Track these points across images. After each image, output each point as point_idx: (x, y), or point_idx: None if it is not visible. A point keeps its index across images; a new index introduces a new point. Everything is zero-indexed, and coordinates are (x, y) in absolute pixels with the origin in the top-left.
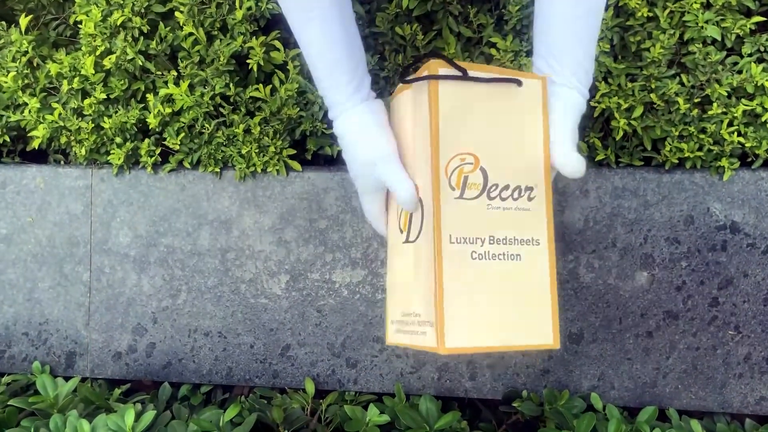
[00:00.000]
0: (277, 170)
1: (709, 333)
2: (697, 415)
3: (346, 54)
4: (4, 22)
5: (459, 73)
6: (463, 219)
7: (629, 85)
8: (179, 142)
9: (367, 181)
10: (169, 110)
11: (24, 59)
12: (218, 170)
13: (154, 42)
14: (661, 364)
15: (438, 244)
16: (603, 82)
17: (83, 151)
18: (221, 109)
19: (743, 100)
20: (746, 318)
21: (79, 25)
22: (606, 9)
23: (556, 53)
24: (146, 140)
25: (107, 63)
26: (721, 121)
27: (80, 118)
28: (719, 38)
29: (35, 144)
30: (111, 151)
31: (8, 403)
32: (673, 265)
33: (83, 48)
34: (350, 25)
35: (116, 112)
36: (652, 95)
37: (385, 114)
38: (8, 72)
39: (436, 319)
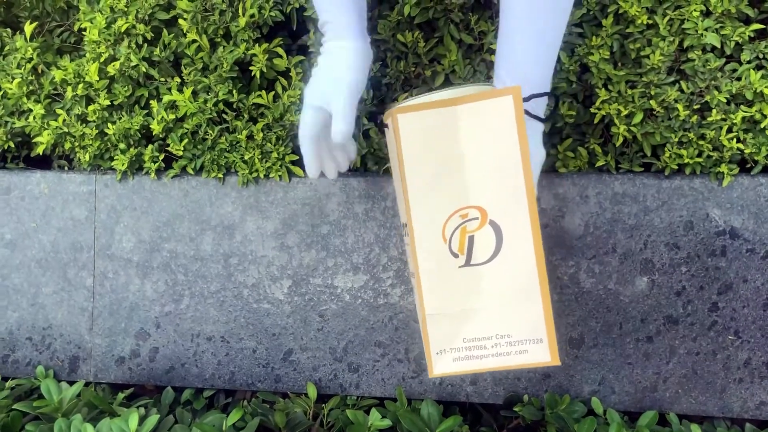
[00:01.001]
0: (280, 176)
1: (708, 338)
2: (697, 419)
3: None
4: (9, 29)
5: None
6: None
7: (629, 91)
8: (182, 148)
9: (316, 114)
10: (172, 116)
11: (29, 66)
12: (221, 176)
13: (157, 49)
14: (661, 369)
15: (541, 253)
16: (603, 89)
17: (87, 157)
18: (224, 116)
19: (742, 106)
20: (746, 323)
21: (84, 32)
22: (605, 17)
23: (507, 60)
24: (150, 146)
25: (111, 70)
26: (721, 128)
27: (84, 124)
28: (718, 45)
29: (39, 150)
30: (115, 157)
31: (12, 407)
32: (672, 271)
33: (87, 55)
34: None
35: (120, 118)
36: (652, 102)
37: (368, 59)
38: (13, 78)
39: (549, 334)
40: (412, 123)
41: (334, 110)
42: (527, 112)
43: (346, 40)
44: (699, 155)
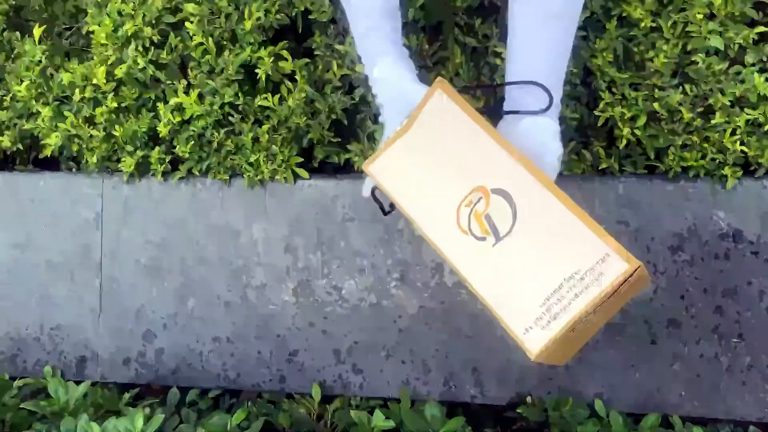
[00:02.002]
0: (285, 178)
1: (712, 341)
2: (701, 422)
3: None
4: (18, 33)
5: None
6: None
7: (633, 94)
8: (189, 151)
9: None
10: (179, 119)
11: (37, 69)
12: (227, 178)
13: (164, 52)
14: (664, 372)
15: (555, 189)
16: (607, 92)
17: (95, 159)
18: (230, 118)
19: (746, 109)
20: (750, 326)
21: (92, 36)
22: (609, 20)
23: (518, 72)
24: (157, 148)
25: (119, 72)
26: (724, 130)
27: (92, 127)
28: (722, 48)
29: (48, 152)
30: (122, 159)
31: (20, 406)
32: (676, 273)
33: (95, 58)
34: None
35: (127, 120)
36: (656, 104)
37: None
38: (22, 81)
39: (610, 245)
40: (384, 167)
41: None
42: (517, 112)
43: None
44: (703, 158)
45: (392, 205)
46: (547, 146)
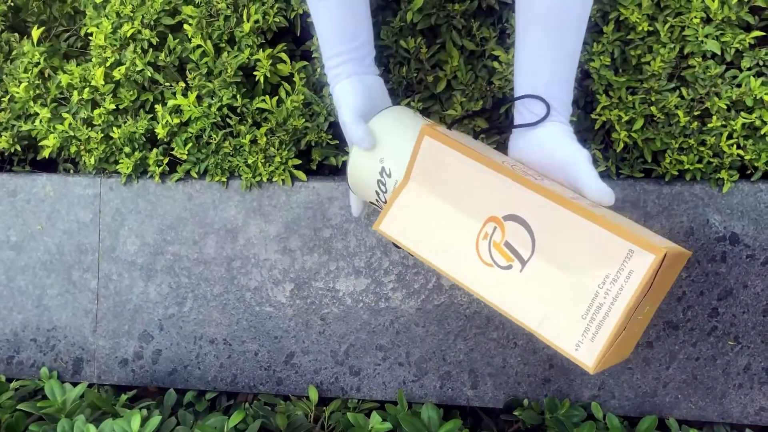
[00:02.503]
0: (283, 180)
1: (708, 343)
2: (697, 424)
3: (344, 29)
4: (16, 34)
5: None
6: None
7: (630, 98)
8: (187, 152)
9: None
10: (177, 121)
11: (36, 70)
12: (225, 180)
13: (163, 54)
14: (661, 374)
15: (563, 201)
16: (604, 95)
17: (92, 161)
18: (228, 120)
19: (742, 113)
20: (746, 328)
21: (90, 37)
22: (606, 23)
23: (527, 75)
24: (154, 150)
25: (117, 74)
26: (721, 134)
27: (90, 128)
28: (719, 52)
29: (45, 153)
30: (120, 161)
31: (17, 407)
32: None
33: (93, 59)
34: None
35: (125, 122)
36: (653, 108)
37: (372, 89)
38: (20, 82)
39: (633, 240)
40: (394, 224)
41: (347, 133)
42: (515, 125)
43: (343, 74)
44: (699, 161)
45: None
46: (564, 148)
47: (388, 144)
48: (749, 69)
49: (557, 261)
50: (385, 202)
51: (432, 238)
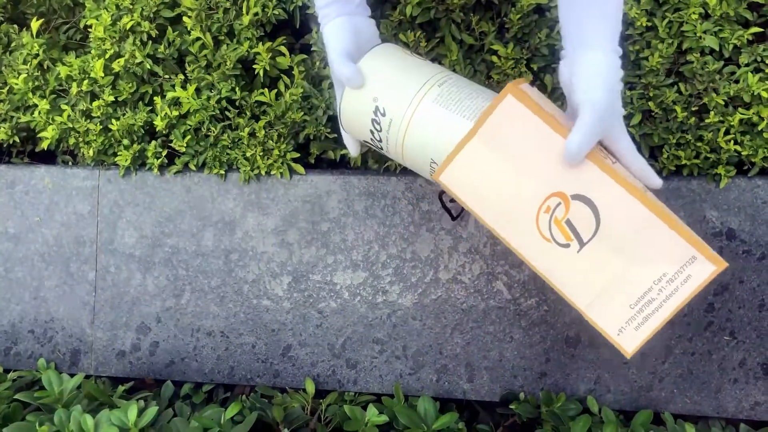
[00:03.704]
0: (281, 173)
1: (704, 338)
2: (692, 419)
3: None
4: (15, 26)
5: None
6: None
7: (628, 93)
8: (185, 145)
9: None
10: (175, 113)
11: (35, 62)
12: (223, 172)
13: (162, 46)
14: (656, 369)
15: (638, 193)
16: None
17: (91, 153)
18: (227, 113)
19: (740, 109)
20: (741, 324)
21: (89, 29)
22: None
23: (582, 14)
24: (153, 142)
25: (116, 66)
26: (718, 130)
27: (89, 120)
28: (717, 48)
29: (44, 145)
30: (118, 153)
31: (14, 397)
32: None
33: (93, 51)
34: None
35: (124, 114)
36: (651, 103)
37: (361, 30)
38: (19, 74)
39: (697, 247)
40: (455, 175)
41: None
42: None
43: (332, 15)
44: (697, 157)
45: (462, 210)
46: (589, 80)
47: (381, 82)
48: (747, 65)
49: (618, 249)
50: (381, 141)
51: (492, 199)
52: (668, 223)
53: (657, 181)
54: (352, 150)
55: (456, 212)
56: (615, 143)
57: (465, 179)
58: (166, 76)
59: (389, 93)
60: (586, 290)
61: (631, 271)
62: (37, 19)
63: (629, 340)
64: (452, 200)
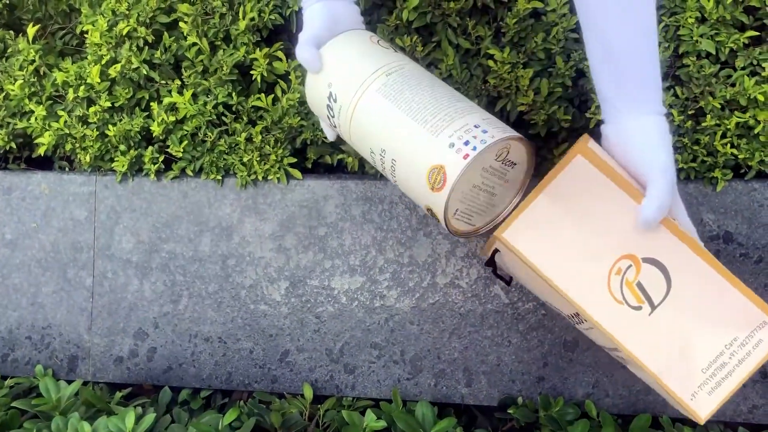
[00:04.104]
0: (278, 178)
1: None
2: (690, 423)
3: None
4: (12, 31)
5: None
6: None
7: None
8: (182, 150)
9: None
10: (172, 118)
11: (31, 68)
12: (220, 178)
13: (158, 52)
14: None
15: (707, 256)
16: None
17: (88, 158)
18: (224, 118)
19: (736, 112)
20: None
21: (86, 35)
22: None
23: (625, 77)
24: (150, 148)
25: (112, 72)
26: (715, 133)
27: (85, 126)
28: (713, 52)
29: (41, 151)
30: (115, 159)
31: (11, 405)
32: None
33: (89, 57)
34: None
35: (121, 120)
36: None
37: (339, 16)
38: (15, 80)
39: (765, 308)
40: (519, 233)
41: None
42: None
43: None
44: (693, 160)
45: (511, 278)
46: (653, 148)
47: (336, 69)
48: (743, 68)
49: (689, 312)
50: (335, 127)
51: (559, 258)
52: (737, 286)
53: (700, 244)
54: (329, 135)
55: (508, 277)
56: (673, 204)
57: (529, 239)
58: (163, 82)
59: (341, 79)
60: (659, 354)
61: (703, 335)
62: (34, 25)
63: (703, 406)
64: (489, 262)
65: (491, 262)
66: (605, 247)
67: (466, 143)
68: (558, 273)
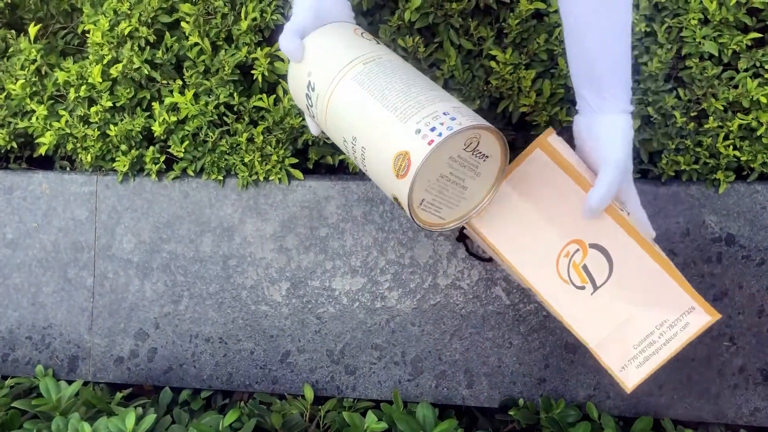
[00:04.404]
0: (279, 179)
1: (704, 344)
2: (692, 425)
3: None
4: (13, 31)
5: None
6: None
7: None
8: (183, 150)
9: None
10: (174, 119)
11: (32, 67)
12: (221, 178)
13: (160, 51)
14: (656, 375)
15: (647, 246)
16: None
17: (89, 158)
18: (225, 118)
19: (739, 114)
20: (741, 330)
21: (87, 35)
22: None
23: (596, 76)
24: (151, 148)
25: (114, 72)
26: (717, 135)
27: (86, 126)
28: (716, 53)
29: (42, 150)
30: (116, 158)
31: (11, 405)
32: None
33: (90, 57)
34: None
35: (122, 119)
36: (650, 109)
37: (326, 10)
38: (17, 80)
39: (695, 300)
40: (483, 215)
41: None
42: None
43: None
44: (696, 162)
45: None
46: (612, 143)
47: (316, 59)
48: (746, 70)
49: (626, 294)
50: (314, 117)
51: (516, 240)
52: (672, 275)
53: (652, 233)
54: (312, 129)
55: (487, 257)
56: (624, 194)
57: (489, 220)
58: (164, 82)
59: (320, 68)
60: (596, 329)
61: (636, 315)
62: (35, 25)
63: (630, 377)
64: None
65: (461, 238)
66: (557, 232)
67: (432, 129)
68: (514, 252)
